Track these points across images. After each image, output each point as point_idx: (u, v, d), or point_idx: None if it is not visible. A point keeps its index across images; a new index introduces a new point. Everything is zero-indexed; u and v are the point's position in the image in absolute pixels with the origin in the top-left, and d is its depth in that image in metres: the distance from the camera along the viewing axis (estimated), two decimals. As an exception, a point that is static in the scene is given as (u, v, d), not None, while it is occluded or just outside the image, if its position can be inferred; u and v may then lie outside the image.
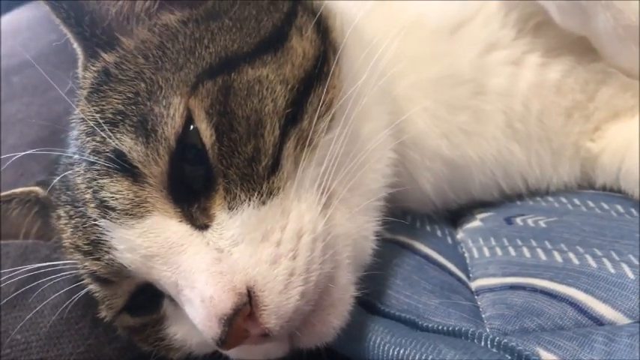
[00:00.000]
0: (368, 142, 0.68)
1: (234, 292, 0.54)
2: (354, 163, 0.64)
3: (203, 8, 0.67)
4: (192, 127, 0.57)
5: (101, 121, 0.59)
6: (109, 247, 0.59)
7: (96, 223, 0.59)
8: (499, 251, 0.74)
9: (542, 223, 0.76)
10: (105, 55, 0.65)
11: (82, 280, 0.66)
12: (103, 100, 0.61)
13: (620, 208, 0.77)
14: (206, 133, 0.57)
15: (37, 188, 0.74)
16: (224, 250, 0.56)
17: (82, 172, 0.60)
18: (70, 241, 0.64)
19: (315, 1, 0.71)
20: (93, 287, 0.65)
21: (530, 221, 0.77)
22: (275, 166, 0.58)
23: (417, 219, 0.86)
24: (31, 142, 1.04)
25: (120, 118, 0.58)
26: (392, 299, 0.69)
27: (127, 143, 0.56)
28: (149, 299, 0.65)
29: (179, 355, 0.68)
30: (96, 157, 0.58)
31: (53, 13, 0.66)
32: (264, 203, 0.58)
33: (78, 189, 0.61)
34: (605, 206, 0.77)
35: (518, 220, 0.78)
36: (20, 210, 0.73)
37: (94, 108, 0.61)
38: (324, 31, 0.68)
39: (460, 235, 0.83)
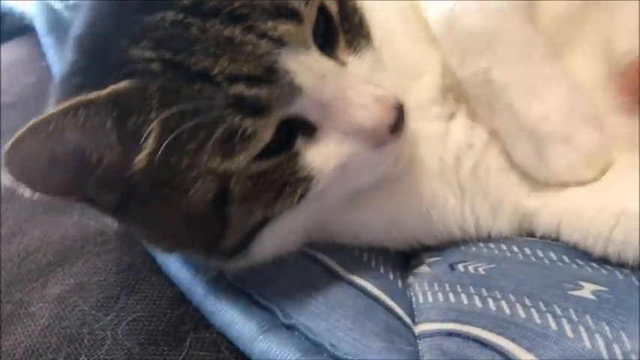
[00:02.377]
0: None
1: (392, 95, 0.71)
2: None
3: None
4: None
5: None
6: (286, 71, 0.66)
7: (271, 51, 0.65)
8: (441, 297, 0.79)
9: (481, 270, 0.82)
10: None
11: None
12: None
13: (553, 255, 0.83)
14: (332, 7, 0.72)
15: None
16: (368, 75, 0.73)
17: (221, 25, 0.65)
18: (228, 71, 0.65)
19: None
20: (244, 123, 0.65)
21: (471, 268, 0.83)
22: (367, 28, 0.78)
23: (372, 260, 0.91)
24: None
25: None
26: (342, 342, 0.75)
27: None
28: (282, 140, 0.70)
29: (305, 186, 0.71)
30: (249, 9, 0.66)
31: None
32: (373, 47, 0.77)
33: (225, 37, 0.65)
34: (540, 254, 0.83)
35: (461, 267, 0.84)
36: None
37: None
38: None
39: (410, 279, 0.89)
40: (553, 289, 0.74)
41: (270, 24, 0.66)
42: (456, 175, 0.86)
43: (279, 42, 0.66)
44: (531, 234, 0.90)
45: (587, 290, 0.73)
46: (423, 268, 0.89)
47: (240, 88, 0.64)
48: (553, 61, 0.78)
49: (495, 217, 0.88)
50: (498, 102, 0.76)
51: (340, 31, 0.74)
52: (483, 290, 0.77)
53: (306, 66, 0.67)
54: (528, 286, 0.76)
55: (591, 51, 0.82)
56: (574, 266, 0.80)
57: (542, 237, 0.88)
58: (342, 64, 0.73)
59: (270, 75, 0.66)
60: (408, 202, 0.86)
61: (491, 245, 0.89)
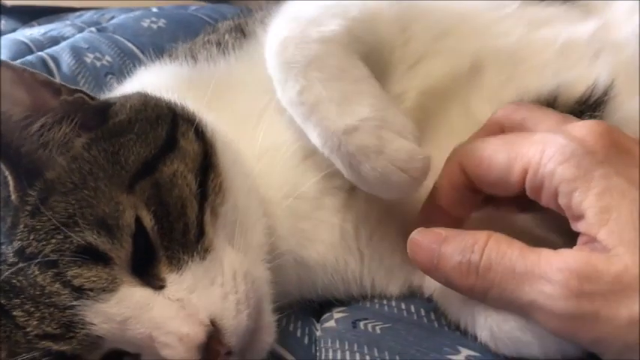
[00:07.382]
0: (247, 216, 0.87)
1: (203, 325, 0.72)
2: (241, 230, 0.84)
3: (104, 128, 0.82)
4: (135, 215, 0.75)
5: (57, 225, 0.73)
6: (84, 324, 0.72)
7: (72, 305, 0.72)
8: (339, 354, 0.87)
9: (378, 329, 0.90)
10: (47, 173, 0.78)
11: None
12: (50, 210, 0.74)
13: (443, 320, 0.91)
14: (146, 219, 0.74)
15: None
16: (184, 299, 0.73)
17: (39, 272, 0.73)
18: (35, 332, 0.74)
19: (189, 113, 0.90)
20: None
21: (370, 326, 0.92)
22: (202, 233, 0.78)
23: (283, 318, 0.96)
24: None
25: (72, 220, 0.73)
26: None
27: (92, 238, 0.72)
28: None
29: None
30: (58, 255, 0.72)
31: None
32: (204, 259, 0.77)
33: (40, 286, 0.73)
34: (432, 316, 0.92)
35: (362, 324, 0.93)
36: None
37: (44, 218, 0.74)
38: (201, 133, 0.87)
39: (319, 332, 0.97)
40: (435, 352, 0.83)
41: (75, 271, 0.72)
42: (355, 241, 0.94)
43: (81, 292, 0.72)
44: (422, 295, 0.98)
45: (463, 355, 0.81)
46: (330, 323, 0.96)
47: (48, 344, 0.73)
48: (370, 80, 0.82)
49: (389, 279, 0.96)
50: (310, 122, 0.81)
51: (160, 246, 0.75)
52: (375, 351, 0.85)
53: (105, 315, 0.72)
54: (415, 347, 0.84)
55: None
56: (458, 332, 0.89)
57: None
58: (160, 286, 0.74)
59: (69, 331, 0.73)
60: (314, 270, 0.95)
61: (393, 303, 0.98)
